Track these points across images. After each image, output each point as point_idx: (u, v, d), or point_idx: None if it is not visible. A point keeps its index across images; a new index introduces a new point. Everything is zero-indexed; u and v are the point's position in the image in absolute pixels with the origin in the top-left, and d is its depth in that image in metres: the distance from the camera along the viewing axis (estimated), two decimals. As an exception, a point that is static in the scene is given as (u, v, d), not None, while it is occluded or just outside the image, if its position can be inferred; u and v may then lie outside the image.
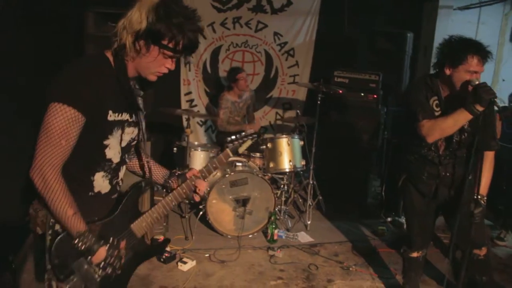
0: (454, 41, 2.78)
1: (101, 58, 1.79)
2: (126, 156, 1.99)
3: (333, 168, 5.53)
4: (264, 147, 4.92)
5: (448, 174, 3.03)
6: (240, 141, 2.16)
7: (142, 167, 2.13)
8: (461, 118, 2.67)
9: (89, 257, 1.78)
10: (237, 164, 4.63)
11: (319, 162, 5.13)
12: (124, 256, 1.91)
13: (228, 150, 2.13)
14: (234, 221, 4.48)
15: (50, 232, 1.78)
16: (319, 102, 5.03)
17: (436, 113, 2.87)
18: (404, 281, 3.47)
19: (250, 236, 4.50)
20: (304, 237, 4.63)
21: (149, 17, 1.67)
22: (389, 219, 5.24)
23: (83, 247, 1.74)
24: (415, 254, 3.34)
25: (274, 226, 4.44)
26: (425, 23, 6.64)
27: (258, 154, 5.03)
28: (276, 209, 4.68)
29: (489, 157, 2.94)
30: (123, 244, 1.92)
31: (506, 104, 5.03)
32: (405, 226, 4.91)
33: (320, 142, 5.10)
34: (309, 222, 4.86)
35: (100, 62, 1.77)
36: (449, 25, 6.47)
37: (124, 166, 2.03)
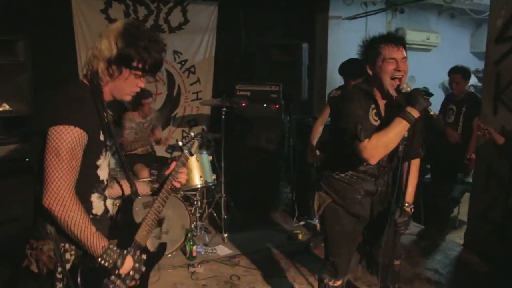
0: (366, 42, 2.60)
1: (83, 85, 1.86)
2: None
3: (244, 179, 5.62)
4: (174, 165, 4.89)
5: (382, 188, 2.74)
6: (190, 144, 2.28)
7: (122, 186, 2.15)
8: (400, 129, 2.35)
9: (116, 271, 1.81)
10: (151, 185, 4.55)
11: (229, 175, 5.18)
12: (142, 259, 1.97)
13: (185, 152, 2.24)
14: (151, 242, 4.37)
15: (59, 263, 1.79)
16: (223, 117, 5.10)
17: (375, 122, 2.54)
18: None
19: (169, 255, 4.43)
20: (222, 250, 4.65)
21: (118, 44, 1.79)
22: (302, 222, 5.42)
23: (110, 261, 1.78)
24: (339, 282, 2.93)
25: (191, 242, 4.42)
26: (318, 33, 7.02)
27: (168, 173, 4.97)
28: (192, 226, 4.67)
29: (415, 164, 2.76)
30: (138, 252, 1.96)
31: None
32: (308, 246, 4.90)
33: (229, 155, 5.16)
34: (225, 235, 4.89)
35: (83, 87, 1.85)
36: (340, 33, 6.91)
37: (109, 185, 2.07)
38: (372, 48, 2.52)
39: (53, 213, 1.67)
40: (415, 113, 2.34)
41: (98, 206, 1.93)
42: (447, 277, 4.23)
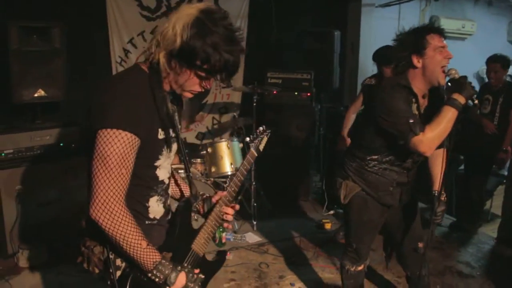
0: (408, 33, 2.60)
1: (140, 74, 1.66)
2: None
3: (274, 167, 5.61)
4: (205, 152, 4.91)
5: (411, 179, 2.84)
6: (259, 139, 2.09)
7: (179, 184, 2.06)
8: (450, 116, 2.37)
9: (167, 287, 1.64)
10: (179, 171, 4.59)
11: (259, 162, 5.16)
12: (199, 278, 1.81)
13: (252, 150, 2.05)
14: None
15: (111, 270, 1.68)
16: (255, 104, 5.10)
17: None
18: None
19: (198, 241, 4.47)
20: (251, 237, 4.68)
21: (184, 36, 1.54)
22: (331, 212, 5.40)
23: (161, 277, 1.62)
24: (361, 268, 3.01)
25: (221, 229, 4.44)
26: (350, 21, 6.91)
27: (199, 160, 5.01)
28: (222, 213, 4.69)
29: (443, 154, 2.70)
30: (195, 271, 1.80)
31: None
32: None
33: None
34: (255, 222, 4.91)
35: (141, 78, 1.64)
36: (373, 21, 6.79)
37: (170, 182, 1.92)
38: (421, 37, 2.52)
39: (100, 225, 1.53)
40: (462, 100, 2.38)
41: (156, 210, 1.79)
42: (479, 270, 4.16)
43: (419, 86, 2.57)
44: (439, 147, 2.58)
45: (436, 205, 2.67)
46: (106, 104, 1.56)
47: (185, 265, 1.76)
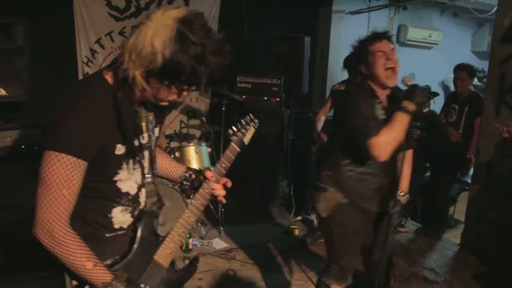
0: (355, 45, 2.74)
1: (103, 85, 1.53)
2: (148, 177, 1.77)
3: (242, 172, 5.55)
4: (172, 156, 4.84)
5: (386, 181, 2.76)
6: (243, 130, 1.85)
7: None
8: (401, 121, 2.43)
9: None
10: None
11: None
12: None
13: (233, 144, 1.84)
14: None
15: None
16: (223, 108, 5.05)
17: (383, 117, 2.59)
18: None
19: (164, 247, 4.39)
20: (218, 243, 4.62)
21: (165, 53, 1.39)
22: (299, 217, 5.39)
23: None
24: (344, 285, 2.87)
25: (188, 235, 4.38)
26: (321, 27, 6.96)
27: (166, 164, 4.92)
28: (189, 218, 4.62)
29: (409, 155, 2.82)
30: (155, 285, 1.69)
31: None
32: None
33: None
34: (222, 228, 4.85)
35: (103, 91, 1.51)
36: (343, 28, 6.86)
37: (144, 189, 1.76)
38: (361, 48, 2.70)
39: (44, 245, 1.47)
40: (411, 106, 2.45)
41: (122, 220, 1.68)
42: (444, 276, 4.23)
43: (378, 89, 2.69)
44: (406, 148, 2.73)
45: (391, 205, 2.65)
46: (57, 120, 1.47)
47: (142, 286, 1.64)
